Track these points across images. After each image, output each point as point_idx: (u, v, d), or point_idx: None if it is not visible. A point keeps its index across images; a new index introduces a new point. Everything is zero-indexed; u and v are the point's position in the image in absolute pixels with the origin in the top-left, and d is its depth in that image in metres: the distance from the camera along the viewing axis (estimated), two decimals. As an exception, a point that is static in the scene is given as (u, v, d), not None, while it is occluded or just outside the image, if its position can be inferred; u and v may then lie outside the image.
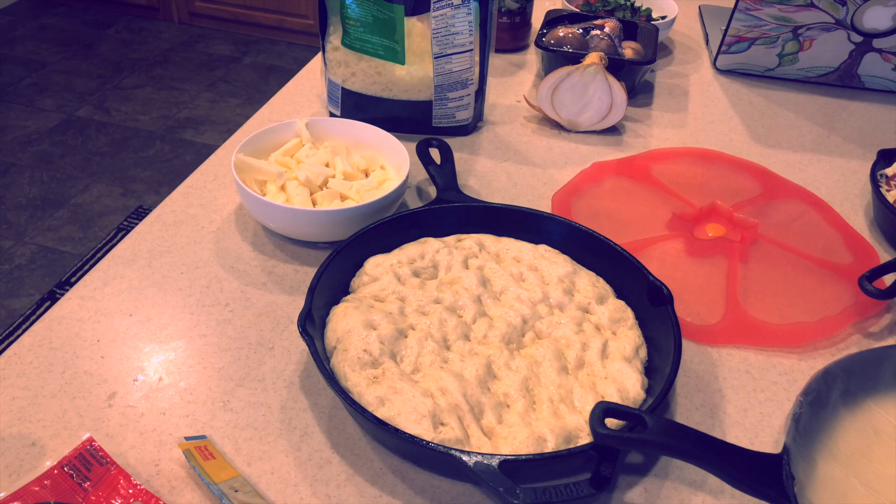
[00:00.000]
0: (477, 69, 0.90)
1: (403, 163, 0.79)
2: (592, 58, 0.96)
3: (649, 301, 0.66)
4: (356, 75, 0.90)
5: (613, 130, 1.01)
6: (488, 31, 0.88)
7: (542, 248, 0.72)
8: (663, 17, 1.23)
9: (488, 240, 0.72)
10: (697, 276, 0.77)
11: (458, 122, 0.95)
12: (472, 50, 0.87)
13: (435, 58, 0.86)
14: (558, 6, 1.35)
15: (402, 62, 0.86)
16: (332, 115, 0.93)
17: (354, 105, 0.92)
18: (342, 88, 0.91)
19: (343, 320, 0.63)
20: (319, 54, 0.94)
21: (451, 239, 0.72)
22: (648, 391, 0.60)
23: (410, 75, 0.89)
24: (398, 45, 0.84)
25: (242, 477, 0.55)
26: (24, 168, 2.38)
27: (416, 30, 0.85)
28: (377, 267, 0.68)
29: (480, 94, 0.94)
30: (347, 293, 0.68)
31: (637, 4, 1.27)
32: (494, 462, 0.51)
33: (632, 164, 0.93)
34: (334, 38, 0.89)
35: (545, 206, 0.85)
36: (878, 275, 0.73)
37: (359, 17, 0.83)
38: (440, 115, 0.93)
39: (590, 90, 0.96)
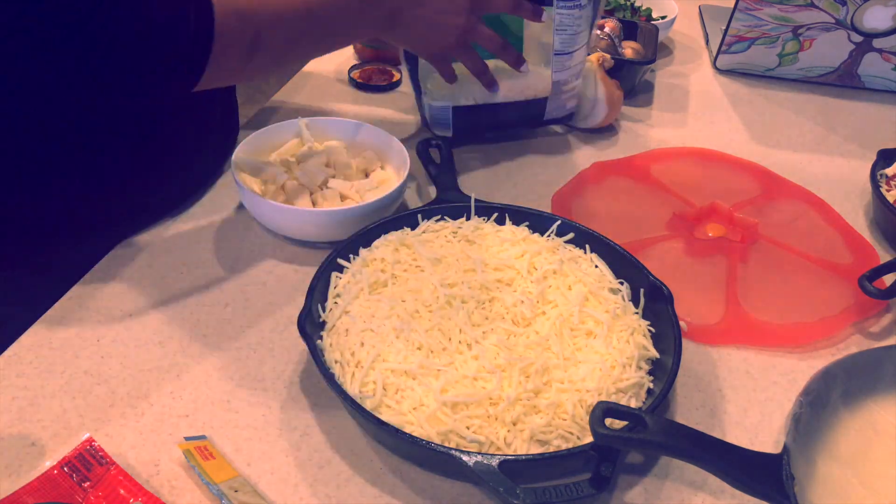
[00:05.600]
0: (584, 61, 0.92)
1: (403, 163, 0.79)
2: (590, 58, 0.96)
3: (649, 301, 0.66)
4: (467, 89, 0.88)
5: (613, 130, 1.01)
6: (594, 21, 0.89)
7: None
8: (663, 17, 1.23)
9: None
10: (697, 276, 0.77)
11: (567, 110, 0.95)
12: (588, 43, 0.88)
13: (556, 54, 0.86)
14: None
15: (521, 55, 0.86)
16: (439, 139, 0.88)
17: (467, 121, 0.91)
18: (452, 108, 0.89)
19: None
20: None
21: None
22: (648, 392, 0.60)
23: (527, 73, 0.88)
24: (518, 39, 0.85)
25: (242, 477, 0.55)
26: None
27: (529, 27, 0.86)
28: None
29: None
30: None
31: (637, 4, 1.27)
32: (494, 462, 0.51)
33: (632, 164, 0.93)
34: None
35: (545, 206, 0.85)
36: (878, 275, 0.73)
37: None
38: (553, 107, 0.92)
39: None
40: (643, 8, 1.26)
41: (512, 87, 0.89)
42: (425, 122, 0.95)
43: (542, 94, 0.91)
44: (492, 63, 0.87)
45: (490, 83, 0.85)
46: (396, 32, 0.77)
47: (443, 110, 0.90)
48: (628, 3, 1.26)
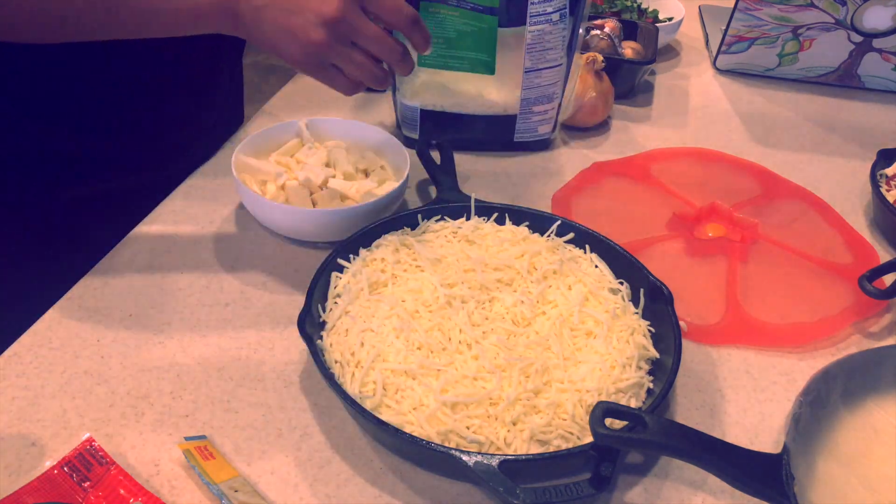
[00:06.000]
0: (562, 82, 0.90)
1: (403, 163, 0.79)
2: (585, 57, 0.96)
3: (649, 301, 0.66)
4: (435, 94, 0.89)
5: (613, 130, 1.01)
6: (575, 44, 0.87)
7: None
8: (670, 19, 1.23)
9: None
10: (697, 276, 0.77)
11: (539, 135, 0.94)
12: (562, 65, 0.87)
13: (526, 72, 0.85)
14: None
15: (493, 72, 0.85)
16: (408, 139, 0.93)
17: (434, 126, 0.91)
18: (420, 110, 0.90)
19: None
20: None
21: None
22: (648, 392, 0.60)
23: (496, 89, 0.88)
24: (489, 55, 0.83)
25: (242, 477, 0.55)
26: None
27: (503, 42, 0.84)
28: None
29: (559, 106, 0.93)
30: (347, 293, 0.68)
31: (644, 6, 1.27)
32: (494, 462, 0.51)
33: (632, 164, 0.93)
34: None
35: (545, 206, 0.85)
36: (878, 275, 0.73)
37: (439, 35, 0.83)
38: (523, 129, 0.92)
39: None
40: (650, 10, 1.26)
41: (481, 102, 0.90)
42: (397, 120, 0.95)
43: (510, 112, 0.90)
44: (475, 76, 0.87)
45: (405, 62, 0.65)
46: (245, 32, 0.61)
47: (412, 110, 0.91)
48: (635, 5, 1.26)
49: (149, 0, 0.58)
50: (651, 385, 0.61)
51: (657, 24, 1.16)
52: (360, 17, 0.60)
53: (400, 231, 0.72)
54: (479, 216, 0.74)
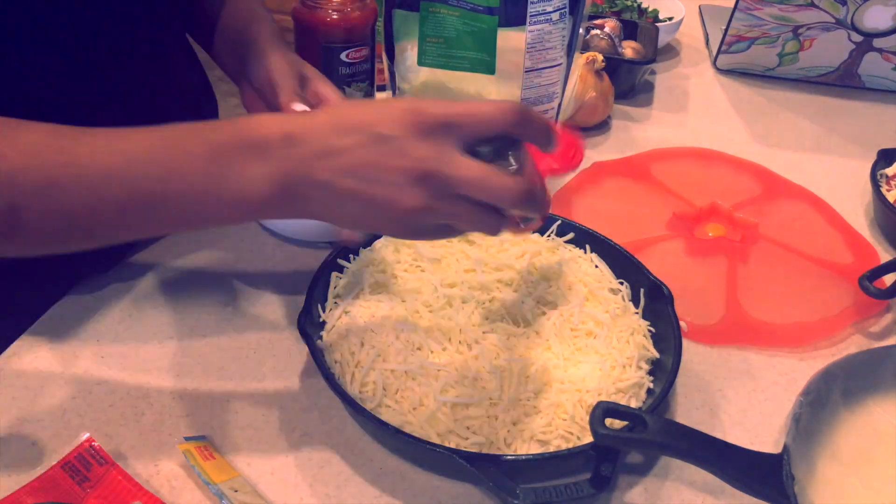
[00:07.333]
0: (562, 82, 0.89)
1: (403, 163, 0.79)
2: (585, 57, 0.96)
3: (649, 301, 0.66)
4: (435, 94, 0.88)
5: (613, 130, 1.01)
6: (575, 43, 0.87)
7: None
8: (670, 19, 1.23)
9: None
10: (697, 276, 0.77)
11: None
12: (562, 64, 0.86)
13: (526, 72, 0.85)
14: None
15: (493, 72, 0.84)
16: None
17: None
18: None
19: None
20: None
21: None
22: (648, 392, 0.60)
23: (496, 89, 0.88)
24: (489, 55, 0.83)
25: (242, 477, 0.55)
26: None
27: (503, 42, 0.83)
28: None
29: (559, 106, 0.92)
30: (347, 293, 0.68)
31: (644, 6, 1.27)
32: (494, 462, 0.51)
33: (632, 164, 0.93)
34: (409, 61, 0.87)
35: (545, 206, 0.84)
36: (878, 275, 0.73)
37: (440, 34, 0.83)
38: None
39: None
40: (650, 9, 1.26)
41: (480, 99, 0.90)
42: None
43: None
44: (476, 76, 0.86)
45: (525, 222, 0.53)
46: (316, 213, 0.48)
47: None
48: (635, 4, 1.26)
49: (185, 200, 0.48)
50: (651, 385, 0.61)
51: (657, 24, 1.16)
52: (455, 162, 0.46)
53: None
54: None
